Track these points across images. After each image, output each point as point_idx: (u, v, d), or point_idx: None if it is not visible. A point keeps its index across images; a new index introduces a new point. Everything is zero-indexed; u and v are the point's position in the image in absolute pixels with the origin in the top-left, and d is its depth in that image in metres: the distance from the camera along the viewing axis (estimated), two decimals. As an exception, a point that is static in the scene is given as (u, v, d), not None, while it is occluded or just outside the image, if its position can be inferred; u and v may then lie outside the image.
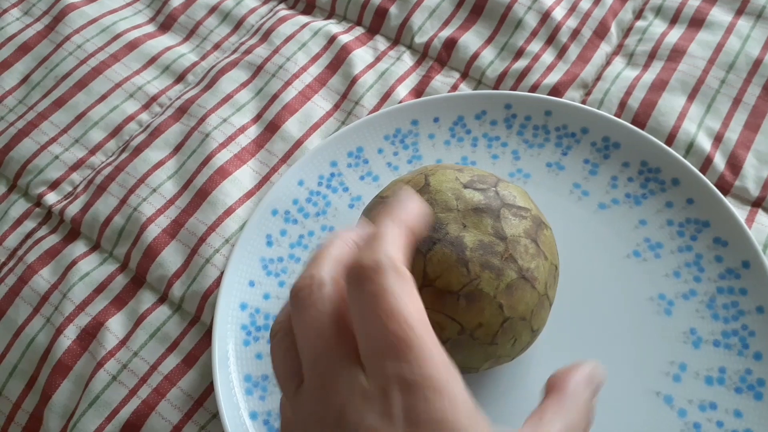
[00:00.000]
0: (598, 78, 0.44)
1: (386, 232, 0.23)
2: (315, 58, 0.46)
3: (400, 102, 0.44)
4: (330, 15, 0.50)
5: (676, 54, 0.44)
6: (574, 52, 0.45)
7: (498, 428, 0.24)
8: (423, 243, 0.30)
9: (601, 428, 0.33)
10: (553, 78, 0.43)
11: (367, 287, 0.21)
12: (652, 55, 0.44)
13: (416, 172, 0.34)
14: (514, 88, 0.44)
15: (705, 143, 0.40)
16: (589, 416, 0.24)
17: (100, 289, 0.39)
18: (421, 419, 0.19)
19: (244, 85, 0.45)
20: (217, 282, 0.38)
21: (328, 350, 0.22)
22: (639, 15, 0.47)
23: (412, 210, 0.25)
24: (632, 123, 0.42)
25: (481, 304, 0.29)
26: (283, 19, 0.48)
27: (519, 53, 0.45)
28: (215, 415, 0.35)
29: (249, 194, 0.41)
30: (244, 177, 0.42)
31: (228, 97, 0.45)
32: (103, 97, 0.46)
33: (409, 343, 0.20)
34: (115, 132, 0.45)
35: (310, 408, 0.22)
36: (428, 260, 0.30)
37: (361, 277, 0.21)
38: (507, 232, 0.30)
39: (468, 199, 0.31)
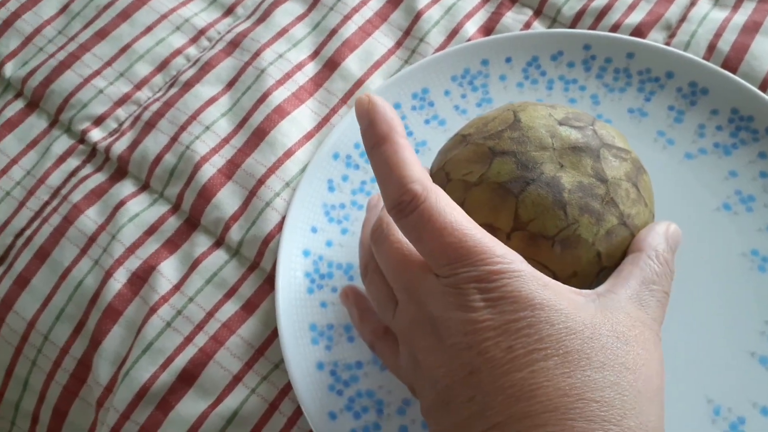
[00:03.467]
0: (682, 19, 0.41)
1: (395, 158, 0.24)
2: (375, -8, 0.43)
3: (468, 40, 0.41)
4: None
5: (769, -5, 0.40)
6: (656, -10, 0.41)
7: (577, 289, 0.25)
8: (514, 182, 0.27)
9: (694, 389, 0.31)
10: (634, 18, 0.40)
11: (412, 218, 0.23)
12: (742, -4, 0.41)
13: (502, 109, 0.31)
14: (592, 28, 0.41)
15: (802, 91, 0.37)
16: (667, 270, 0.26)
17: (150, 231, 0.37)
18: (497, 299, 0.22)
19: (300, 18, 0.42)
20: (278, 227, 0.36)
21: (407, 269, 0.25)
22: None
23: (391, 117, 0.25)
24: (722, 67, 0.39)
25: (577, 251, 0.27)
26: (338, -49, 0.45)
27: (597, -10, 0.41)
28: (277, 365, 0.33)
29: (308, 136, 0.39)
30: (302, 117, 0.39)
31: (283, 32, 0.42)
32: (148, 29, 0.43)
33: (468, 248, 0.23)
34: (162, 66, 0.42)
35: (408, 320, 0.25)
36: (521, 202, 0.27)
37: (403, 212, 0.24)
38: (608, 174, 0.28)
39: (564, 137, 0.28)
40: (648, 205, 0.29)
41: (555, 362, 0.22)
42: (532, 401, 0.21)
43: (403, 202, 0.23)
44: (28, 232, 0.38)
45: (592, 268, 0.28)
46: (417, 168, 0.24)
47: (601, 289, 0.25)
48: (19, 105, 0.42)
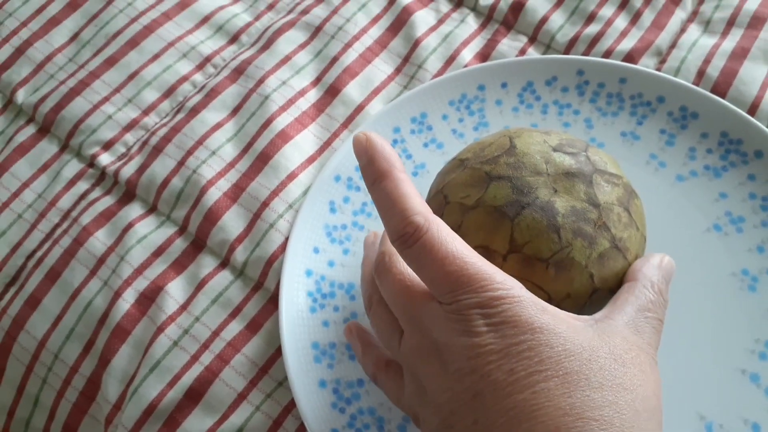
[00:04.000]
0: (672, 45, 0.42)
1: (396, 192, 0.25)
2: (375, 20, 0.44)
3: (465, 66, 0.42)
4: (387, -24, 0.48)
5: (757, 21, 0.42)
6: (648, 17, 0.43)
7: (575, 315, 0.26)
8: (510, 206, 0.29)
9: (687, 406, 0.32)
10: (626, 44, 0.42)
11: (415, 248, 0.24)
12: (730, 23, 0.42)
13: (498, 134, 0.32)
14: (585, 54, 0.42)
15: (789, 114, 0.38)
16: (662, 299, 0.27)
17: (158, 252, 0.38)
18: (498, 324, 0.23)
19: (302, 46, 0.44)
20: (281, 248, 0.37)
21: (411, 297, 0.26)
22: (714, -19, 0.45)
23: (389, 153, 0.26)
24: (711, 92, 0.40)
25: (571, 274, 0.28)
26: (340, -21, 0.46)
27: (590, 18, 0.43)
28: (281, 383, 0.34)
29: (311, 159, 0.40)
30: (305, 141, 0.40)
31: (286, 59, 0.43)
32: (156, 57, 0.44)
33: (469, 275, 0.24)
34: (169, 92, 0.43)
35: (413, 348, 0.26)
36: (516, 225, 0.28)
37: (406, 243, 0.25)
38: (600, 198, 0.29)
39: (558, 163, 0.29)
40: (639, 228, 0.30)
41: (555, 383, 0.22)
42: (533, 422, 0.22)
43: (406, 234, 0.25)
44: (39, 254, 0.39)
45: (585, 290, 0.29)
46: (418, 200, 0.25)
47: (598, 315, 0.26)
48: (30, 130, 0.43)
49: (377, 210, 0.26)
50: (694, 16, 0.43)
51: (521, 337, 0.23)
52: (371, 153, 0.26)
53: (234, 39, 0.45)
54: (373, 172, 0.26)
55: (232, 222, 0.38)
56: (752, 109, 0.39)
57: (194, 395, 0.34)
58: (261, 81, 0.42)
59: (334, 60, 0.43)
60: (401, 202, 0.25)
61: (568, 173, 0.29)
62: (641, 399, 0.23)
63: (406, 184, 0.26)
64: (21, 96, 0.44)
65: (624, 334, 0.25)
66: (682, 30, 0.43)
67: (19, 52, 0.45)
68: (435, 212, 0.31)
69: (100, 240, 0.39)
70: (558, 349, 0.23)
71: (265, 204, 0.38)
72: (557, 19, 0.43)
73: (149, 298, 0.37)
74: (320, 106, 0.42)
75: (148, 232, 0.39)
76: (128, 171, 0.41)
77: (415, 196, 0.25)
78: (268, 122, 0.40)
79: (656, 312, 0.27)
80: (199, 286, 0.37)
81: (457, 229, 0.29)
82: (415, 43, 0.43)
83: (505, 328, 0.23)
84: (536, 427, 0.22)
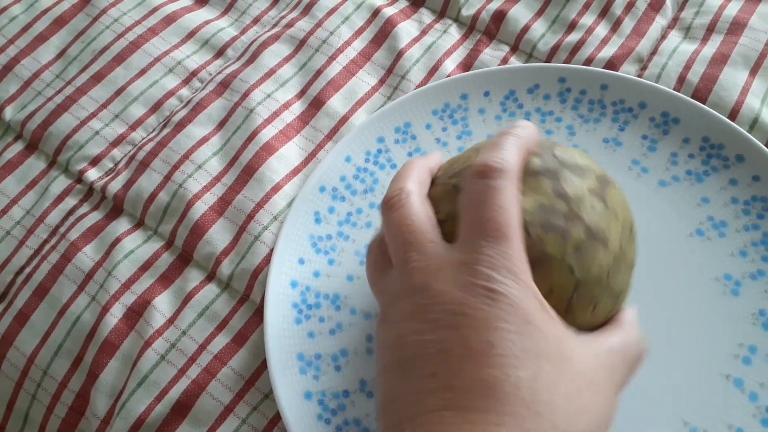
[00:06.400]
0: (653, 52, 0.42)
1: (509, 142, 0.26)
2: (359, 32, 0.45)
3: (448, 76, 0.43)
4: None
5: (737, 27, 0.42)
6: (628, 25, 0.43)
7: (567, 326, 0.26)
8: None
9: (671, 412, 0.32)
10: (607, 52, 0.42)
11: (489, 182, 0.25)
12: (710, 29, 0.42)
13: (468, 150, 0.32)
14: (566, 62, 0.42)
15: (769, 119, 0.39)
16: (641, 348, 0.27)
17: (145, 267, 0.38)
18: (498, 296, 0.23)
19: (286, 59, 0.44)
20: (267, 260, 0.37)
21: (415, 234, 0.26)
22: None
23: (531, 134, 0.28)
24: (692, 98, 0.40)
25: (549, 269, 0.28)
26: (324, -8, 0.47)
27: (572, 26, 0.43)
28: (267, 395, 0.34)
29: (295, 171, 0.40)
30: (290, 153, 0.41)
31: (271, 72, 0.43)
32: (142, 72, 0.45)
33: (508, 237, 0.24)
34: (156, 107, 0.43)
35: (398, 286, 0.25)
36: None
37: (485, 173, 0.25)
38: (569, 191, 0.28)
39: (524, 165, 0.29)
40: (620, 216, 0.29)
41: (526, 374, 0.22)
42: (491, 399, 0.22)
43: (495, 169, 0.26)
44: (27, 270, 0.39)
45: (567, 283, 0.28)
46: (521, 164, 0.28)
47: (591, 335, 0.26)
48: (18, 147, 0.43)
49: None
50: (674, 22, 0.44)
51: (516, 321, 0.23)
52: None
53: (220, 53, 0.46)
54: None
55: (218, 235, 0.38)
56: (732, 114, 0.39)
57: (181, 409, 0.34)
58: (246, 95, 0.42)
59: (319, 73, 0.43)
60: (507, 149, 0.27)
61: (533, 172, 0.29)
62: (591, 414, 0.23)
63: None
64: (9, 113, 0.44)
65: (600, 356, 0.25)
66: (663, 37, 0.43)
67: (7, 69, 0.46)
68: None
69: (87, 255, 0.39)
70: (540, 344, 0.23)
71: (250, 217, 0.38)
72: (538, 28, 0.44)
73: (137, 312, 0.37)
74: (305, 119, 0.42)
75: (135, 247, 0.39)
76: (115, 186, 0.41)
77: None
78: (253, 135, 0.41)
79: (637, 356, 0.27)
80: (186, 299, 0.37)
81: None
82: (399, 55, 0.43)
83: (503, 304, 0.23)
84: (491, 402, 0.22)
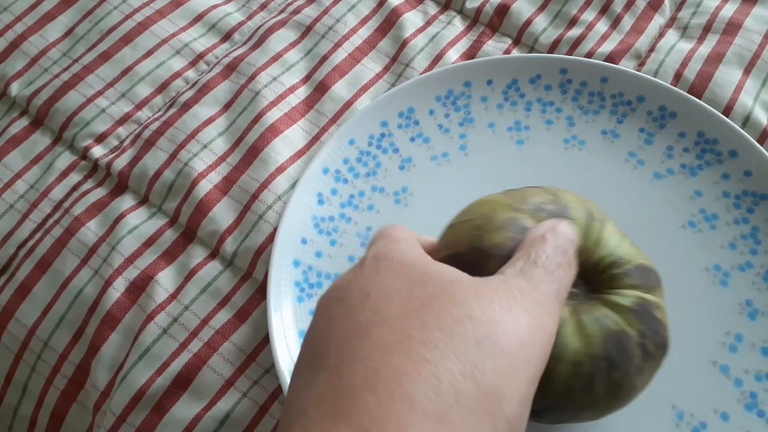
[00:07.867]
0: (651, 49, 0.43)
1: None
2: (364, 21, 0.46)
3: (452, 66, 0.43)
4: (377, -22, 0.49)
5: (732, 28, 0.43)
6: (627, 22, 0.44)
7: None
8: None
9: (659, 396, 0.33)
10: (607, 47, 0.43)
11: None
12: (707, 29, 0.44)
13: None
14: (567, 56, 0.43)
15: (762, 117, 0.40)
16: (559, 257, 0.25)
17: (149, 242, 0.39)
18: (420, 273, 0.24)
19: (293, 44, 0.45)
20: (270, 238, 0.38)
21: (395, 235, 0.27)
22: (692, -12, 0.46)
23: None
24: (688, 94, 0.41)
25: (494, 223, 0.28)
26: (330, -19, 0.48)
27: (573, 21, 0.44)
28: (268, 370, 0.35)
29: (300, 153, 0.41)
30: (294, 136, 0.41)
31: (277, 56, 0.44)
32: (149, 53, 0.45)
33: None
34: (162, 88, 0.44)
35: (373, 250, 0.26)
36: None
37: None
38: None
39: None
40: (579, 204, 0.28)
41: (396, 307, 0.22)
42: (366, 340, 0.22)
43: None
44: (30, 243, 0.40)
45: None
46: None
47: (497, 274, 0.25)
48: (24, 122, 0.44)
49: None
50: (672, 22, 0.45)
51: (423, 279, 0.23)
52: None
53: (227, 37, 0.46)
54: None
55: (223, 214, 0.39)
56: (726, 111, 0.40)
57: (182, 382, 0.35)
58: (252, 77, 0.43)
59: (324, 58, 0.44)
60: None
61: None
62: (489, 333, 0.22)
63: None
64: (15, 89, 0.45)
65: (506, 278, 0.24)
66: (661, 35, 0.44)
67: (14, 45, 0.46)
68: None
69: (91, 230, 0.39)
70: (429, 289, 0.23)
71: (254, 196, 0.39)
72: (541, 22, 0.44)
73: (139, 287, 0.37)
74: (309, 102, 0.43)
75: (139, 223, 0.39)
76: (120, 163, 0.41)
77: None
78: (258, 117, 0.41)
79: (552, 257, 0.25)
80: (189, 275, 0.38)
81: None
82: (403, 43, 0.44)
83: (428, 279, 0.23)
84: (367, 344, 0.22)
